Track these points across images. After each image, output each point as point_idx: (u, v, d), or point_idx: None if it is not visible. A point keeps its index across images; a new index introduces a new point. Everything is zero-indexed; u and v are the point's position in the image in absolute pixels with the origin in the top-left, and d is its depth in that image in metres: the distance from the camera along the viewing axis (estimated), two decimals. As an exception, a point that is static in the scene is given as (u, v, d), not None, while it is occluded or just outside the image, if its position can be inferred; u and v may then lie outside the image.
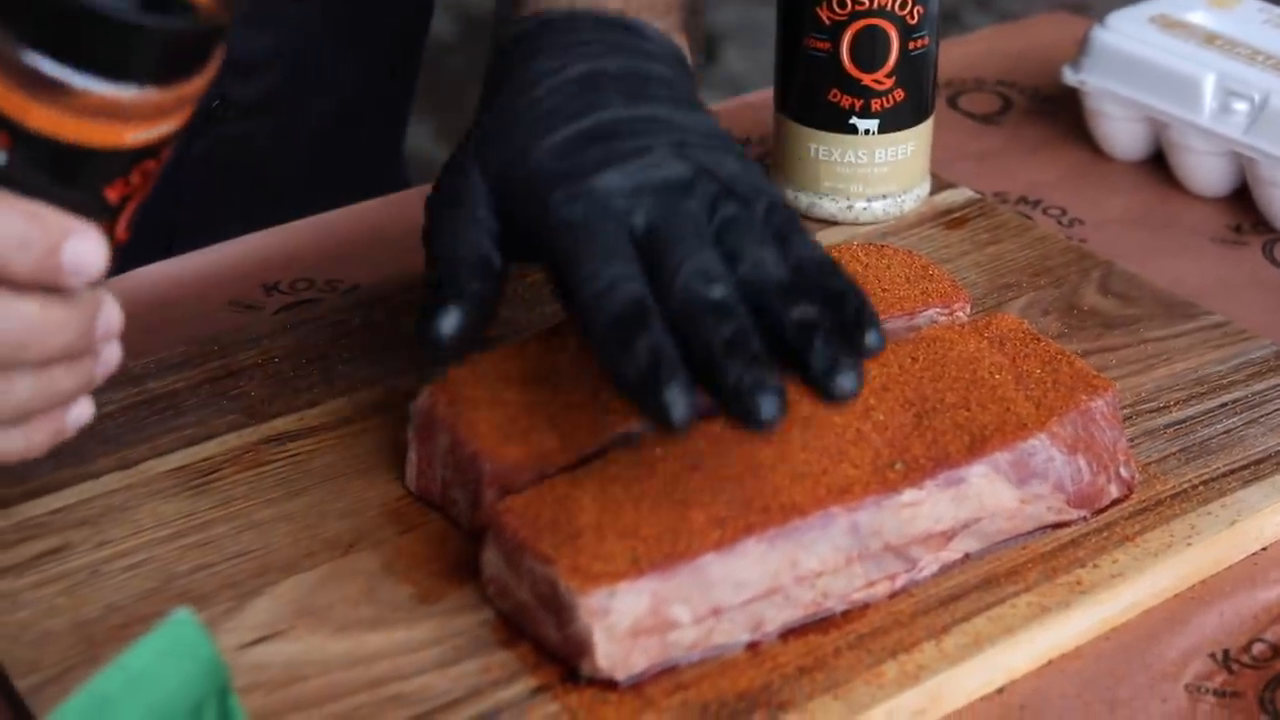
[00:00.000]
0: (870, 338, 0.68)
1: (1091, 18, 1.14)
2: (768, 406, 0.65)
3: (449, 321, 0.72)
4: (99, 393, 0.84)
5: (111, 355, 0.70)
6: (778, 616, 0.72)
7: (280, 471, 0.81)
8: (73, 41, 0.60)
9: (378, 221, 1.04)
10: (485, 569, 0.73)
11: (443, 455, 0.77)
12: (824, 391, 0.67)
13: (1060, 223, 1.03)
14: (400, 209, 1.05)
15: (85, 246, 0.64)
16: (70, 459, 0.81)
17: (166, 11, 0.61)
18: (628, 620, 0.69)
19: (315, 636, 0.72)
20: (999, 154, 1.11)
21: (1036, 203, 1.05)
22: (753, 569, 0.70)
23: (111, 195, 0.64)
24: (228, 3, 0.63)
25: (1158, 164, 1.08)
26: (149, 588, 0.75)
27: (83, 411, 0.70)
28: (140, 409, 0.85)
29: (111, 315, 0.69)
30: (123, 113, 0.62)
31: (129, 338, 0.91)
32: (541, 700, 0.69)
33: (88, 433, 0.82)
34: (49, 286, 0.64)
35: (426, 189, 1.06)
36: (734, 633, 0.71)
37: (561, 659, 0.70)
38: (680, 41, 0.84)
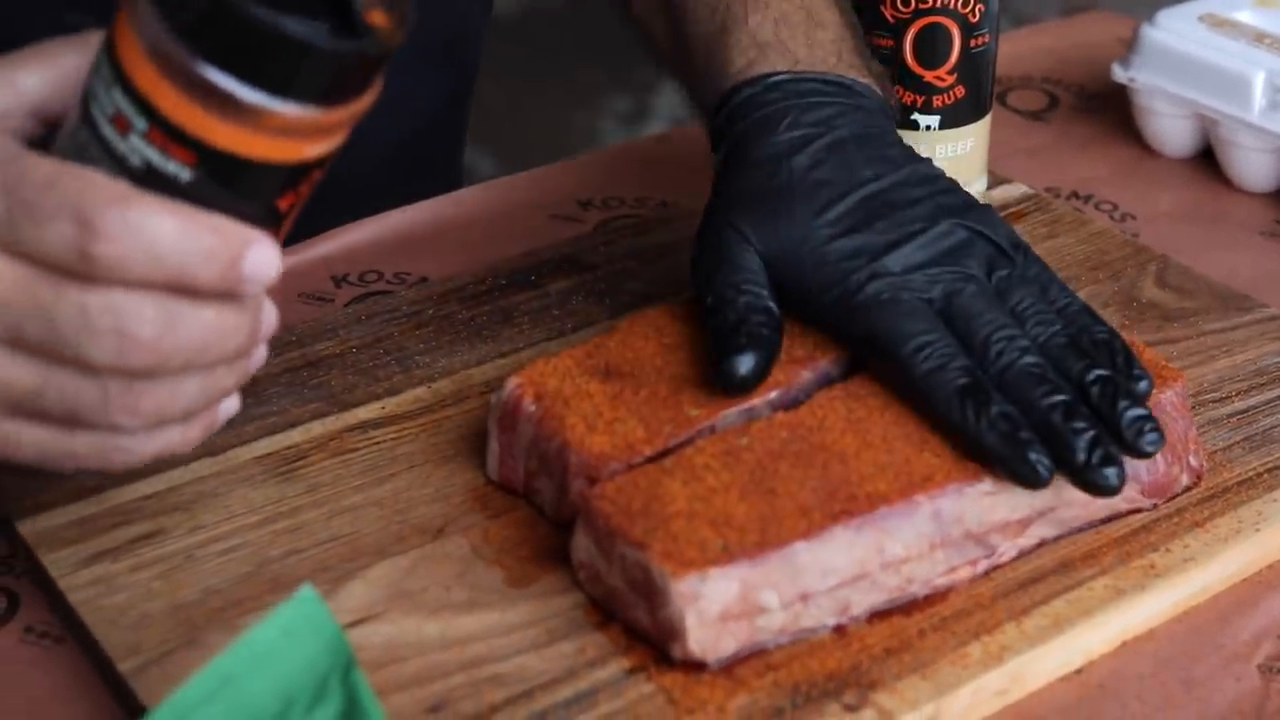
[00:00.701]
0: (1143, 386, 0.77)
1: (1136, 18, 1.16)
2: (1116, 477, 0.74)
3: (746, 363, 0.77)
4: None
5: (261, 354, 0.72)
6: (863, 601, 0.73)
7: (365, 459, 0.83)
8: (269, 68, 0.62)
9: (438, 217, 1.06)
10: (576, 554, 0.75)
11: (526, 446, 0.79)
12: (1134, 450, 0.75)
13: (1112, 217, 1.05)
14: (459, 205, 1.07)
15: (263, 256, 0.66)
16: (158, 446, 0.83)
17: (356, 35, 0.63)
18: (718, 605, 0.70)
19: (410, 619, 0.74)
20: (1049, 150, 1.13)
21: (1088, 198, 1.07)
22: (840, 556, 0.72)
23: (283, 205, 0.66)
24: (402, 21, 0.65)
25: (1205, 159, 1.10)
26: (244, 572, 0.76)
27: (232, 405, 0.72)
28: (223, 398, 0.87)
29: (271, 316, 0.71)
30: (307, 131, 0.64)
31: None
32: (636, 681, 0.71)
33: (174, 421, 0.84)
34: (229, 295, 0.66)
35: (486, 184, 1.08)
36: (821, 616, 0.73)
37: (653, 642, 0.72)
38: (880, 91, 0.88)
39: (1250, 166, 1.06)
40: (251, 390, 0.87)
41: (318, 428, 0.85)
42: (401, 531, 0.79)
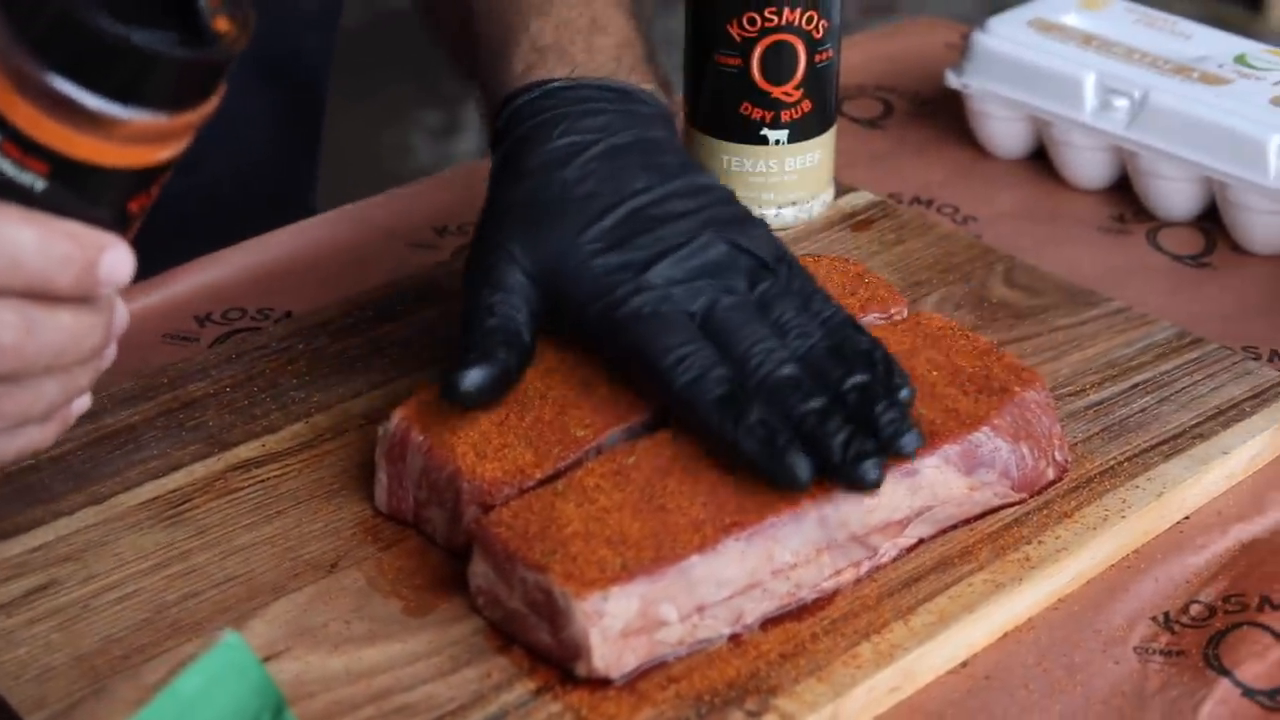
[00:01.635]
0: (904, 394, 0.78)
1: (969, 24, 1.20)
2: (874, 473, 0.75)
3: (474, 377, 0.79)
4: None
5: (112, 352, 0.73)
6: (756, 609, 0.76)
7: (251, 498, 0.84)
8: (119, 78, 0.64)
9: (294, 248, 1.06)
10: (474, 580, 0.76)
11: (416, 476, 0.80)
12: (894, 451, 0.76)
13: (954, 220, 1.09)
14: (312, 235, 1.07)
15: (118, 259, 0.68)
16: (41, 497, 0.83)
17: (202, 43, 0.65)
18: (620, 622, 0.72)
19: (314, 655, 0.75)
20: (888, 157, 1.16)
21: (929, 202, 1.11)
22: (733, 567, 0.74)
23: (134, 207, 0.68)
24: (246, 25, 0.67)
25: (1039, 160, 1.14)
26: (142, 618, 0.77)
27: (84, 402, 0.74)
28: (101, 444, 0.87)
29: (122, 317, 0.73)
30: (157, 137, 0.66)
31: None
32: (544, 701, 0.72)
33: (53, 471, 0.85)
34: (85, 298, 0.68)
35: (339, 212, 1.09)
36: (716, 627, 0.75)
37: (556, 662, 0.74)
38: (662, 97, 0.90)
39: (1084, 165, 1.10)
40: (130, 436, 0.87)
41: (200, 469, 0.85)
42: (295, 568, 0.79)
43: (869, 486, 0.75)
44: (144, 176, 0.67)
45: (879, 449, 0.75)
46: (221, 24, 0.66)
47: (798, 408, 0.76)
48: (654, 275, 0.81)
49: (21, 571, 0.79)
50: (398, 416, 0.81)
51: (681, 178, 0.85)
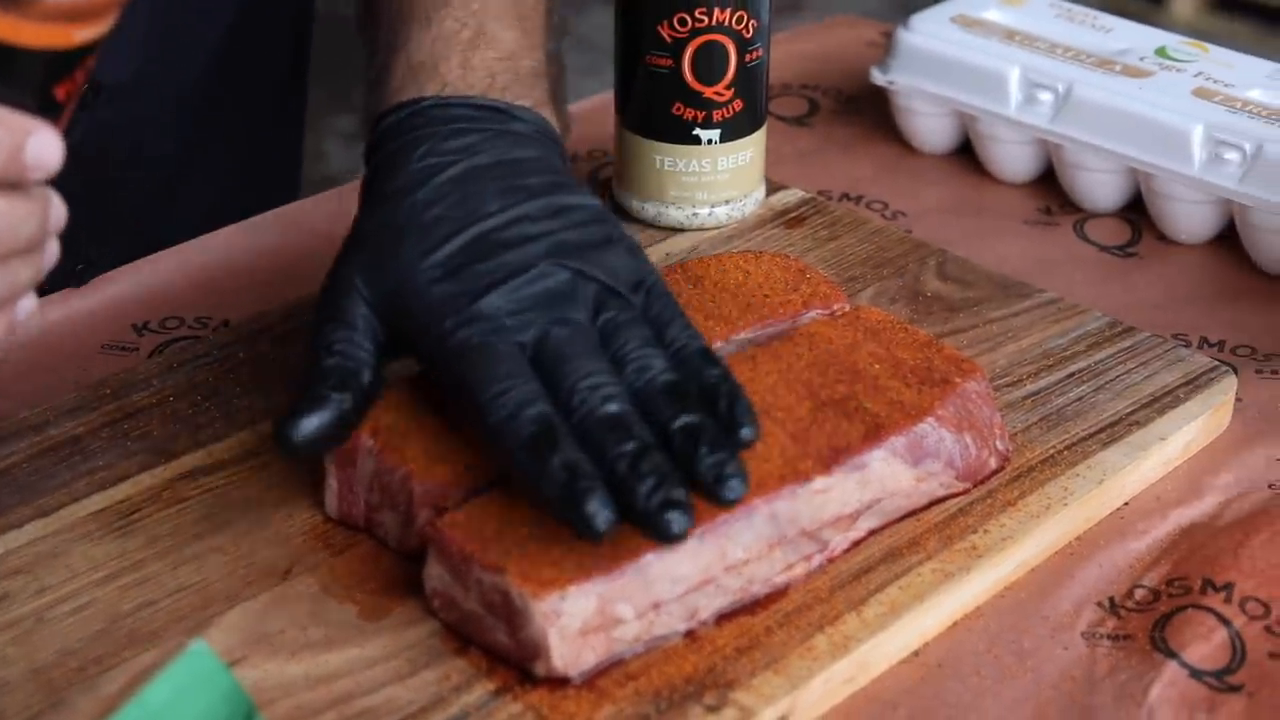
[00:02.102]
0: (745, 433, 0.75)
1: (878, 22, 1.21)
2: (678, 524, 0.71)
3: (306, 426, 0.77)
4: (1, 446, 0.86)
5: (54, 250, 0.74)
6: (710, 604, 0.76)
7: (200, 506, 0.84)
8: None
9: (227, 254, 1.06)
10: (429, 583, 0.77)
11: (367, 480, 0.80)
12: (713, 498, 0.73)
13: (884, 216, 1.10)
14: (245, 240, 1.07)
15: (45, 143, 0.68)
16: (-13, 511, 0.83)
17: None
18: (578, 621, 0.73)
19: (272, 662, 0.75)
20: (815, 154, 1.17)
21: (859, 198, 1.12)
22: (687, 564, 0.75)
23: (59, 94, 0.69)
24: None
25: (964, 154, 1.16)
26: (97, 629, 0.77)
27: (29, 304, 0.73)
28: (46, 456, 0.86)
29: (59, 210, 0.73)
30: (74, 14, 0.66)
31: (12, 386, 0.93)
32: (504, 701, 0.73)
33: (1, 484, 0.84)
34: (13, 184, 0.68)
35: (268, 217, 1.09)
36: (672, 623, 0.76)
37: (513, 662, 0.74)
38: (549, 115, 0.88)
39: (1009, 159, 1.12)
40: (75, 447, 0.87)
41: (147, 479, 0.85)
42: (249, 575, 0.79)
43: (669, 539, 0.71)
44: (65, 59, 0.67)
45: (699, 494, 0.72)
46: None
47: (612, 449, 0.73)
48: (487, 304, 0.78)
49: (-28, 586, 0.79)
50: None
51: (543, 198, 0.82)
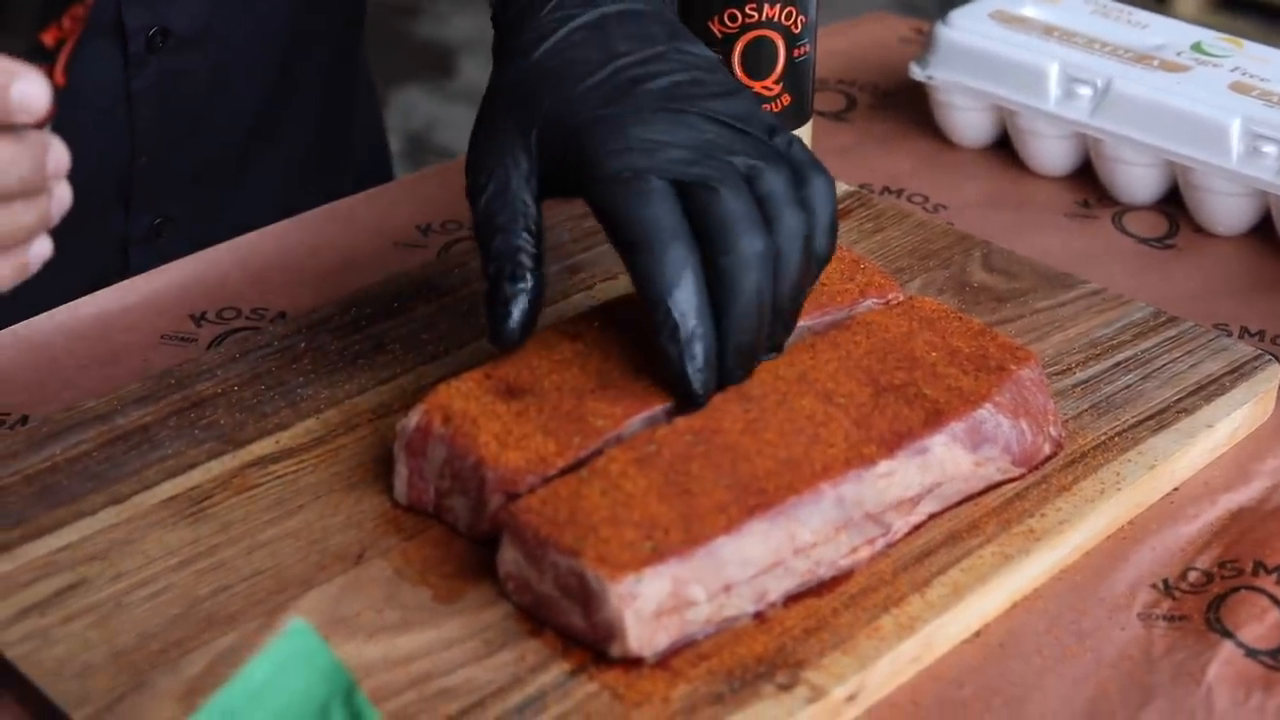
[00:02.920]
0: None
1: (928, 19, 1.22)
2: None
3: (516, 315, 0.82)
4: (71, 434, 0.88)
5: (64, 194, 0.76)
6: (779, 586, 0.78)
7: (271, 493, 0.85)
8: None
9: (281, 247, 1.08)
10: (503, 567, 0.78)
11: (438, 467, 0.82)
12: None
13: (925, 209, 1.12)
14: (299, 234, 1.09)
15: (30, 86, 0.70)
16: (62, 499, 0.84)
17: None
18: (652, 603, 0.74)
19: (350, 644, 0.76)
20: (855, 149, 1.19)
21: (900, 192, 1.14)
22: (757, 546, 0.77)
23: (48, 40, 0.70)
24: None
25: (1002, 148, 1.17)
26: (176, 613, 0.78)
27: (43, 248, 0.76)
28: (116, 445, 0.88)
29: (60, 154, 0.75)
30: None
31: (77, 377, 0.95)
32: (580, 681, 0.75)
33: (71, 473, 0.86)
34: (7, 121, 0.70)
35: (321, 211, 1.11)
36: (742, 605, 0.77)
37: (588, 644, 0.76)
38: None
39: (1048, 153, 1.14)
40: (144, 436, 0.88)
41: (216, 467, 0.87)
42: (322, 560, 0.81)
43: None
44: (53, 4, 0.69)
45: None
46: None
47: (750, 338, 0.81)
48: (635, 136, 0.81)
49: (50, 571, 0.80)
50: (419, 410, 0.83)
51: (668, 43, 0.86)
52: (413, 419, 0.83)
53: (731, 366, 0.81)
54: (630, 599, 0.74)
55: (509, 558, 0.78)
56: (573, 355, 0.85)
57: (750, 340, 0.81)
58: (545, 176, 0.84)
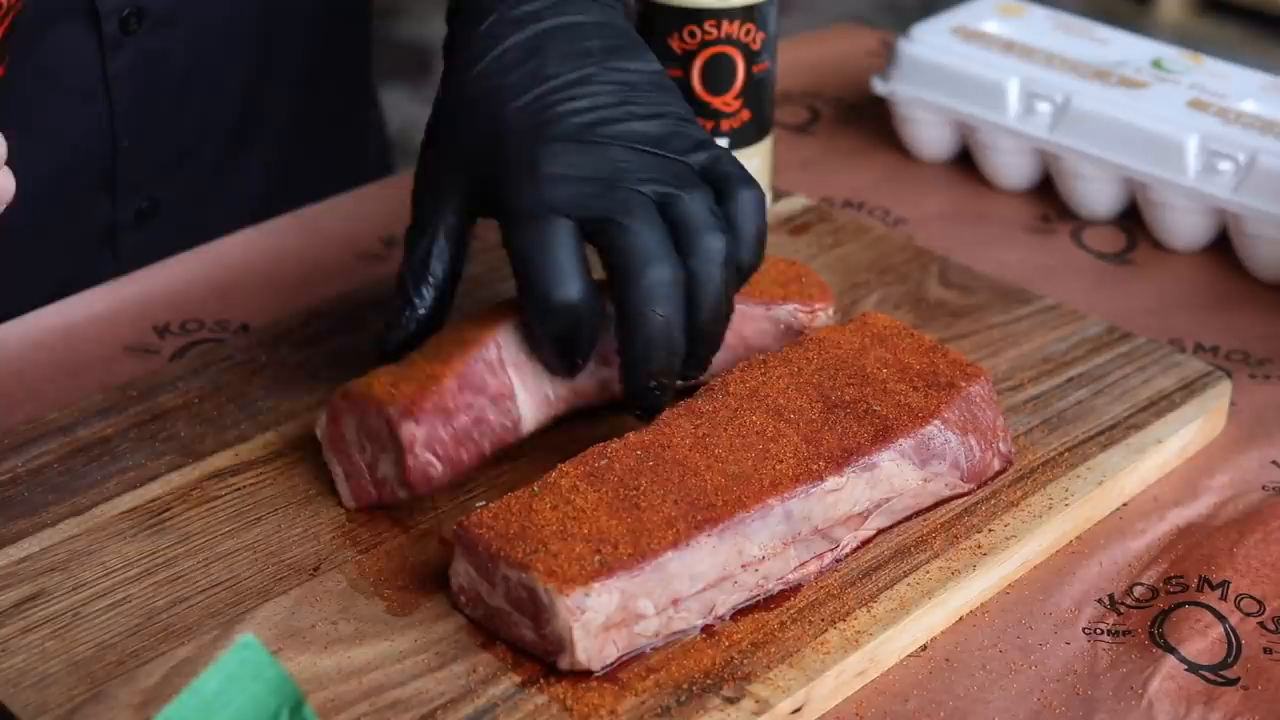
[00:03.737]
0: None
1: (889, 30, 1.24)
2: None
3: (398, 336, 0.87)
4: (32, 446, 0.89)
5: (7, 183, 0.77)
6: (727, 600, 0.79)
7: (229, 505, 0.86)
8: None
9: (244, 257, 1.09)
10: (455, 579, 0.80)
11: (356, 441, 0.85)
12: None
13: (885, 223, 1.13)
14: (262, 243, 1.10)
15: None
16: (21, 510, 0.85)
17: None
18: (601, 616, 0.75)
19: (304, 655, 0.77)
20: (817, 162, 1.20)
21: (860, 205, 1.15)
22: (705, 561, 0.78)
23: None
24: None
25: (964, 163, 1.19)
26: (134, 624, 0.79)
27: None
28: (77, 456, 0.89)
29: (5, 181, 0.77)
30: None
31: (41, 387, 0.95)
32: (530, 693, 0.76)
33: (32, 484, 0.87)
34: None
35: (284, 220, 1.11)
36: (690, 618, 0.78)
37: (538, 656, 0.77)
38: None
39: (1008, 168, 1.15)
40: (104, 448, 0.89)
41: (176, 479, 0.88)
42: (279, 572, 0.82)
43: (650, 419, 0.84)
44: None
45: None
46: None
47: (653, 365, 0.83)
48: (547, 170, 0.83)
49: (10, 582, 0.81)
50: (326, 410, 0.86)
51: (605, 62, 0.87)
52: (322, 418, 0.85)
53: (638, 395, 0.84)
54: (579, 612, 0.75)
55: (460, 570, 0.79)
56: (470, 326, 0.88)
57: (655, 368, 0.83)
58: (478, 196, 0.86)
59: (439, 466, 0.82)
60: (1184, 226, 1.09)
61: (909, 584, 0.81)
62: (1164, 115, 1.08)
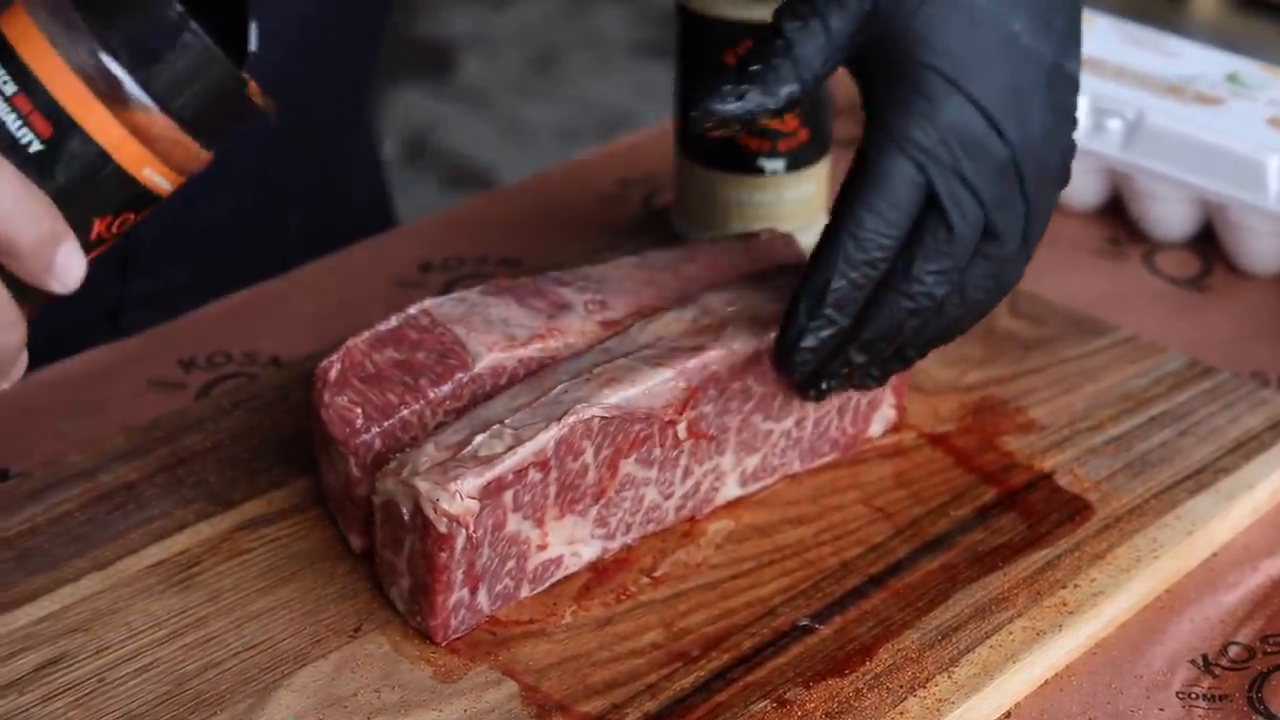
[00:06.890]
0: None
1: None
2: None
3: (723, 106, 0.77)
4: (52, 493, 0.84)
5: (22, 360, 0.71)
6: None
7: (263, 559, 0.81)
8: (159, 64, 0.65)
9: (270, 286, 1.03)
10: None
11: (326, 479, 0.82)
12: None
13: (947, 245, 1.07)
14: (300, 282, 1.04)
15: (77, 256, 0.67)
16: (41, 564, 0.80)
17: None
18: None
19: (346, 727, 0.72)
20: (873, 179, 1.14)
21: (920, 226, 1.09)
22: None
23: (100, 226, 0.68)
24: (268, 101, 0.68)
25: (1026, 181, 1.13)
26: (162, 692, 0.74)
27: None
28: (99, 504, 0.84)
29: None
30: (160, 142, 0.66)
31: (61, 426, 0.90)
32: (589, 771, 0.71)
33: (52, 535, 0.82)
34: (36, 280, 0.66)
35: (322, 262, 1.06)
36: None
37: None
38: None
39: (1076, 188, 1.09)
40: (129, 494, 0.84)
41: (206, 529, 0.82)
42: (317, 634, 0.77)
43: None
44: (121, 189, 0.67)
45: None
46: (254, 89, 0.67)
47: (869, 354, 0.80)
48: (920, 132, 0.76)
49: (30, 645, 0.76)
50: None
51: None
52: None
53: (830, 364, 0.80)
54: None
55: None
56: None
57: (856, 360, 0.79)
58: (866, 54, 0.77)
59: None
60: (1263, 250, 1.03)
61: (991, 646, 0.76)
62: (1242, 133, 1.03)
